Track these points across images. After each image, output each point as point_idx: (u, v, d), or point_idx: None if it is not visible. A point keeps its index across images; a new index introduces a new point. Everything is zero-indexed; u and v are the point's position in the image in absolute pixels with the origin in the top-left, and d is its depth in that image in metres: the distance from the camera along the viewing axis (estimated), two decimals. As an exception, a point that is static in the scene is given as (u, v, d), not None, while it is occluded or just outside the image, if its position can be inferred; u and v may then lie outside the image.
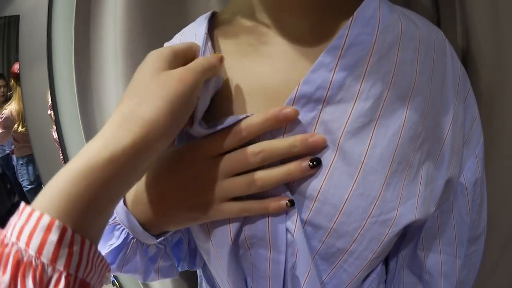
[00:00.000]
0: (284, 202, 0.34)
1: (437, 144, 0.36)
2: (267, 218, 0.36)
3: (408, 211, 0.34)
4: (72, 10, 0.64)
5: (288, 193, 0.35)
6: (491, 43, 0.51)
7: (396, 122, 0.33)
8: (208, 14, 0.42)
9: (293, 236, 0.35)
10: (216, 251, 0.38)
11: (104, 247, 0.39)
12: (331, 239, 0.35)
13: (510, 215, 0.54)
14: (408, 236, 0.42)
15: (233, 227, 0.36)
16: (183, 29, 0.44)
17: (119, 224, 0.38)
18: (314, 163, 0.33)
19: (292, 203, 0.34)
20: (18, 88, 2.17)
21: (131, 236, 0.37)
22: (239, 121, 0.33)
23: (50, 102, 1.52)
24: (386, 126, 0.33)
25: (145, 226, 0.37)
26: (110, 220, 0.38)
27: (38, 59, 1.93)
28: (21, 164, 2.21)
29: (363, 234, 0.34)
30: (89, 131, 0.64)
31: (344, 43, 0.33)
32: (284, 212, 0.35)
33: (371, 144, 0.33)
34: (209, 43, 0.38)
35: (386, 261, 0.46)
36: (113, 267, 0.40)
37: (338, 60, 0.33)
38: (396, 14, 0.35)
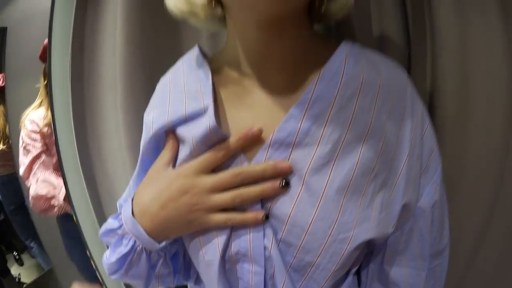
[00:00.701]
0: (260, 215, 0.41)
1: (393, 175, 0.43)
2: (249, 238, 0.43)
3: (363, 231, 0.41)
4: (68, 39, 0.68)
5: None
6: (458, 77, 0.57)
7: (351, 160, 0.41)
8: (198, 53, 0.49)
9: (270, 252, 0.43)
10: (207, 266, 0.45)
11: (114, 254, 0.47)
12: (300, 254, 0.42)
13: (474, 230, 0.60)
14: (375, 252, 0.48)
15: (221, 245, 0.44)
16: (178, 64, 0.51)
17: (127, 234, 0.46)
18: (284, 184, 0.41)
19: (267, 217, 0.42)
20: None
21: (137, 243, 0.46)
22: (220, 143, 0.42)
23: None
24: (343, 165, 0.41)
25: (149, 234, 0.45)
26: (119, 231, 0.47)
27: (24, 73, 1.92)
28: (2, 183, 2.15)
29: (326, 249, 0.41)
30: (85, 158, 0.68)
31: (311, 98, 0.41)
32: (262, 228, 0.42)
33: (329, 179, 0.40)
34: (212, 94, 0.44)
35: (358, 274, 0.52)
36: (120, 272, 0.48)
37: (305, 112, 0.41)
38: (361, 64, 0.42)
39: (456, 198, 0.54)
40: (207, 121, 0.42)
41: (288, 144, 0.41)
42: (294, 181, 0.41)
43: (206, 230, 0.45)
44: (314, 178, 0.41)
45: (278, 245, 0.42)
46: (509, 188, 0.60)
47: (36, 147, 1.51)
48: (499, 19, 0.54)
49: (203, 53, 0.49)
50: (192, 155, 0.44)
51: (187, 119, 0.45)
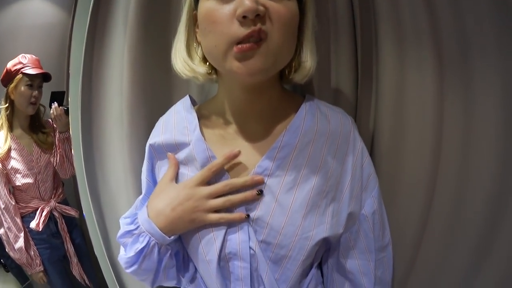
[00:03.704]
0: (243, 215, 0.58)
1: (339, 193, 0.61)
2: (238, 241, 0.59)
3: (320, 232, 0.59)
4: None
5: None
6: (395, 117, 0.75)
7: (309, 185, 0.58)
8: (188, 102, 0.65)
9: (254, 251, 0.59)
10: (208, 264, 0.61)
11: (131, 251, 0.62)
12: (277, 250, 0.59)
13: (412, 229, 0.78)
14: (332, 249, 0.66)
15: (218, 248, 0.59)
16: (172, 111, 0.67)
17: (144, 232, 0.61)
18: (259, 192, 0.58)
19: (248, 216, 0.58)
20: None
21: (151, 239, 0.60)
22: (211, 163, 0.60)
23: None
24: (303, 188, 0.58)
25: (162, 230, 0.60)
26: (135, 231, 0.62)
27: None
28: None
29: (294, 245, 0.58)
30: (92, 186, 0.81)
31: (279, 145, 0.58)
32: (247, 234, 0.58)
33: (294, 197, 0.58)
34: (200, 131, 0.61)
35: (321, 268, 0.69)
36: (136, 264, 0.62)
37: (276, 155, 0.59)
38: (315, 118, 0.60)
39: (394, 206, 0.72)
40: (204, 150, 0.60)
41: (264, 175, 0.59)
42: (269, 199, 0.59)
43: (207, 236, 0.60)
44: (283, 197, 0.58)
45: (260, 245, 0.58)
46: (438, 198, 0.77)
47: None
48: (433, 73, 0.72)
49: (192, 101, 0.67)
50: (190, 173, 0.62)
51: (177, 148, 0.63)
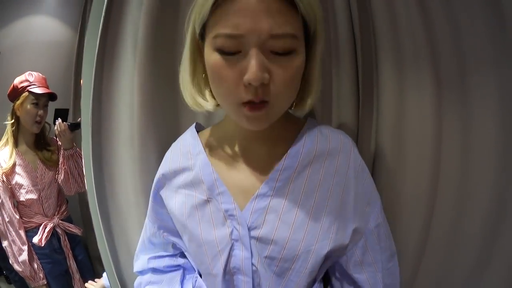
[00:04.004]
0: None
1: (343, 209, 0.63)
2: (241, 258, 0.62)
3: (324, 246, 0.61)
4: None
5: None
6: (395, 138, 0.78)
7: (310, 202, 0.61)
8: (194, 129, 0.69)
9: (256, 267, 0.62)
10: (214, 277, 0.64)
11: None
12: (281, 263, 0.61)
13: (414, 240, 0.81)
14: (339, 263, 0.68)
15: (223, 263, 0.62)
16: (180, 139, 0.71)
17: None
18: None
19: None
20: None
21: None
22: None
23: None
24: (304, 206, 0.61)
25: None
26: None
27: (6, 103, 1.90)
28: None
29: (298, 259, 0.61)
30: (102, 206, 0.84)
31: (281, 168, 0.62)
32: (250, 251, 0.61)
33: (296, 215, 0.60)
34: (205, 155, 0.65)
35: (325, 282, 0.71)
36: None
37: (278, 176, 0.62)
38: (315, 140, 0.63)
39: (396, 220, 0.76)
40: (210, 173, 0.63)
41: (268, 195, 0.62)
42: (272, 217, 0.61)
43: (213, 251, 0.63)
44: (286, 215, 0.61)
45: (265, 260, 0.61)
46: (438, 213, 0.80)
47: None
48: (431, 94, 0.75)
49: (199, 126, 0.71)
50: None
51: (182, 172, 0.66)
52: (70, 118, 1.74)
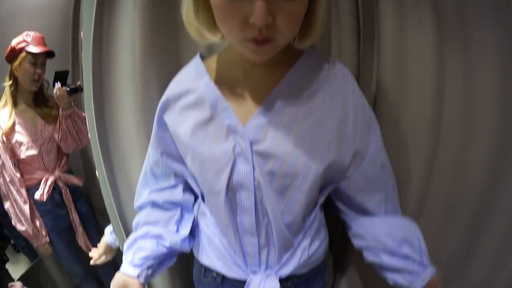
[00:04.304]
0: None
1: (343, 132, 0.66)
2: (243, 172, 0.64)
3: (324, 161, 0.64)
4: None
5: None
6: (397, 74, 0.78)
7: (310, 120, 0.64)
8: (198, 58, 0.69)
9: (258, 182, 0.64)
10: (217, 194, 0.67)
11: None
12: (282, 179, 0.64)
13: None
14: (342, 188, 0.72)
15: (226, 178, 0.65)
16: (184, 68, 0.71)
17: None
18: None
19: None
20: None
21: None
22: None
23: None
24: (304, 123, 0.63)
25: None
26: None
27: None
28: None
29: (298, 174, 0.64)
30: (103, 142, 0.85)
31: (283, 88, 0.64)
32: (252, 165, 0.64)
33: (296, 131, 0.63)
34: (208, 77, 0.66)
35: (325, 207, 0.76)
36: None
37: (278, 96, 0.64)
38: (315, 65, 0.65)
39: (397, 158, 0.78)
40: (213, 92, 0.65)
41: (269, 113, 0.64)
42: (273, 133, 0.63)
43: (216, 167, 0.65)
44: (286, 130, 0.63)
45: (265, 176, 0.64)
46: (442, 152, 0.82)
47: None
48: (432, 31, 0.75)
49: (203, 56, 0.71)
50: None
51: (186, 94, 0.67)
52: (70, 79, 1.73)
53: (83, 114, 1.68)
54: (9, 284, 1.66)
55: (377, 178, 0.72)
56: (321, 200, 0.73)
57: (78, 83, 1.69)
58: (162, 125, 0.72)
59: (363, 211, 0.75)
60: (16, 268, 2.02)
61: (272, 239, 0.69)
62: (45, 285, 1.99)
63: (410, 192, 0.84)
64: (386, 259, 0.73)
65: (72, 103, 1.65)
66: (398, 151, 0.80)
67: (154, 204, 0.79)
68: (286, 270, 0.71)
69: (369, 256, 0.76)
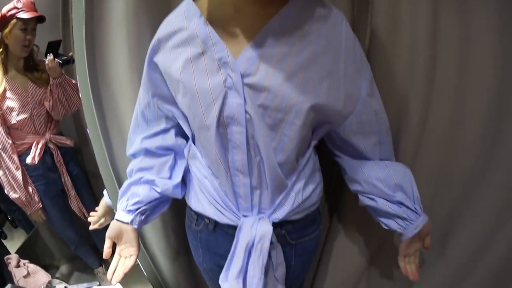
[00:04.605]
0: None
1: (335, 71, 0.65)
2: (234, 105, 0.62)
3: (316, 97, 0.63)
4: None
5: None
6: (391, 18, 0.76)
7: (303, 55, 0.62)
8: (191, 1, 0.67)
9: (250, 115, 0.63)
10: (208, 129, 0.65)
11: None
12: (274, 114, 0.63)
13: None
14: (336, 133, 0.72)
15: (216, 112, 0.63)
16: (175, 9, 0.69)
17: None
18: None
19: None
20: None
21: None
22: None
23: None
24: (296, 58, 0.62)
25: None
26: None
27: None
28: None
29: (291, 108, 0.63)
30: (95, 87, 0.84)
31: (274, 23, 0.62)
32: (243, 97, 0.62)
33: (289, 65, 0.62)
34: (200, 14, 0.65)
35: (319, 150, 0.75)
36: None
37: (270, 31, 0.62)
38: (308, 4, 0.63)
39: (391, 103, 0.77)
40: (204, 27, 0.63)
41: (261, 46, 0.63)
42: (266, 66, 0.62)
43: (207, 99, 0.64)
44: (279, 64, 0.62)
45: (258, 109, 0.63)
46: (435, 100, 0.81)
47: None
48: None
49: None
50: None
51: (178, 32, 0.66)
52: (61, 49, 1.71)
53: (73, 81, 1.66)
54: (6, 257, 1.67)
55: (371, 122, 0.71)
56: (315, 141, 0.73)
57: (70, 54, 1.67)
58: (153, 66, 0.71)
59: (358, 155, 0.75)
60: (14, 244, 2.02)
61: (265, 179, 0.68)
62: (42, 256, 2.00)
63: (404, 141, 0.83)
64: (381, 204, 0.74)
65: (63, 71, 1.64)
66: (392, 97, 0.79)
67: (147, 151, 0.79)
68: (279, 215, 0.71)
69: (364, 200, 0.77)
